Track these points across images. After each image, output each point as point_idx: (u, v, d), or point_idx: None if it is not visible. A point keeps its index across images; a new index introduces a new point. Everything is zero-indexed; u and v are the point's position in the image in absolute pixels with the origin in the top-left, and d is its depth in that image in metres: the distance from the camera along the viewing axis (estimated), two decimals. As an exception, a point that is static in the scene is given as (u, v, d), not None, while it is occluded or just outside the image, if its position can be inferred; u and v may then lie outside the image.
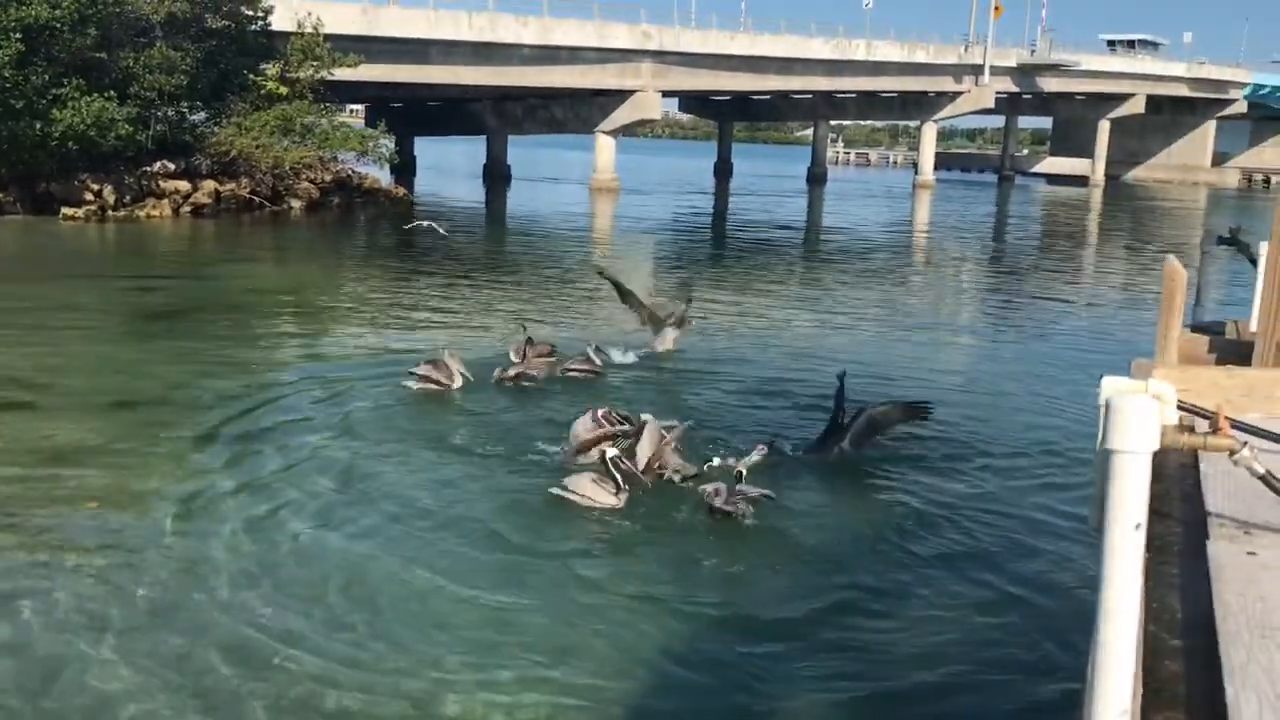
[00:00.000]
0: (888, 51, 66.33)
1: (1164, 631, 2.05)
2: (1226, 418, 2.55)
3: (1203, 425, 2.92)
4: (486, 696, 6.01)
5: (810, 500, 9.52)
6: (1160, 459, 3.28)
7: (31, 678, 6.10)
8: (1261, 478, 2.52)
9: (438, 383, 12.20)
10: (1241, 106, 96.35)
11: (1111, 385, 2.40)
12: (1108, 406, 1.46)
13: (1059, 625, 7.04)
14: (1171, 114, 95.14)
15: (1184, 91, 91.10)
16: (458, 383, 12.28)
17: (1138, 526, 1.34)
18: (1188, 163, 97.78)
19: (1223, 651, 1.89)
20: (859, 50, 64.66)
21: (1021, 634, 6.98)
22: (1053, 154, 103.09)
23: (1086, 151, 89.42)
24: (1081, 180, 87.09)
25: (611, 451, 8.74)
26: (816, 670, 6.46)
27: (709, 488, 8.61)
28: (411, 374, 12.41)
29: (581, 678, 6.24)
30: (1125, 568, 1.33)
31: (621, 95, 55.89)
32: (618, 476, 8.61)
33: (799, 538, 8.56)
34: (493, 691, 6.06)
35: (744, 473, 8.72)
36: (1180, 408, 2.68)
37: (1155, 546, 2.49)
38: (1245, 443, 2.50)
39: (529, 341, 13.56)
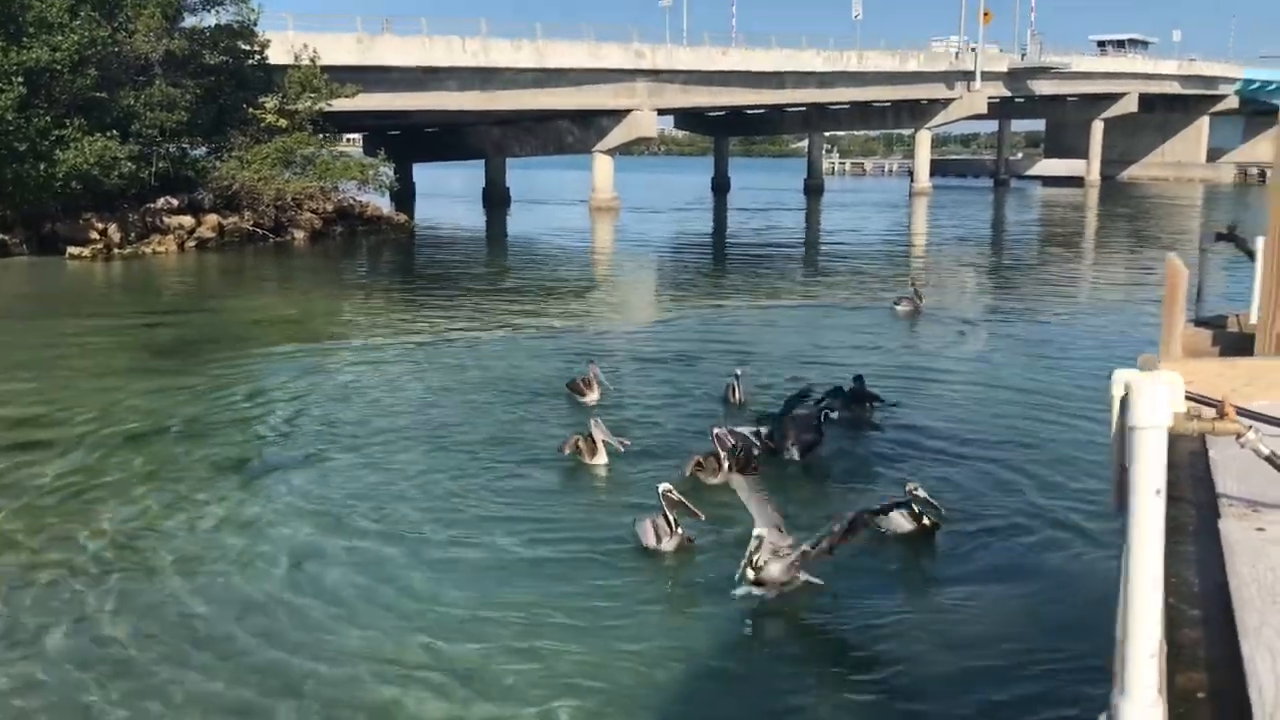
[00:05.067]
0: (879, 61, 66.78)
1: (1182, 603, 2.22)
2: (1232, 405, 2.71)
3: (1209, 413, 3.09)
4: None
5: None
6: (1170, 447, 3.44)
7: (61, 712, 6.21)
8: (1267, 458, 2.68)
9: (580, 454, 10.71)
10: (1234, 102, 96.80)
11: (1123, 377, 2.56)
12: (1128, 388, 1.63)
13: (1076, 600, 7.23)
14: (1164, 112, 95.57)
15: (1176, 89, 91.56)
16: (601, 459, 10.58)
17: (1158, 492, 1.51)
18: (1182, 160, 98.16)
19: (1238, 616, 2.06)
20: (851, 61, 65.12)
21: (1041, 612, 7.17)
22: (1047, 156, 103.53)
23: (1081, 152, 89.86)
24: (1077, 181, 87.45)
25: (919, 489, 8.65)
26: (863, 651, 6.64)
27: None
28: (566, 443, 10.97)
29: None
30: (1149, 528, 1.50)
31: (617, 115, 56.30)
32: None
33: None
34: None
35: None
36: (1188, 398, 2.84)
37: (1169, 528, 2.65)
38: (1251, 426, 2.67)
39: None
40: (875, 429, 12.19)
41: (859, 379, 12.77)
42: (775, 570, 6.97)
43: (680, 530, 8.18)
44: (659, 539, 8.15)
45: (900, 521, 8.53)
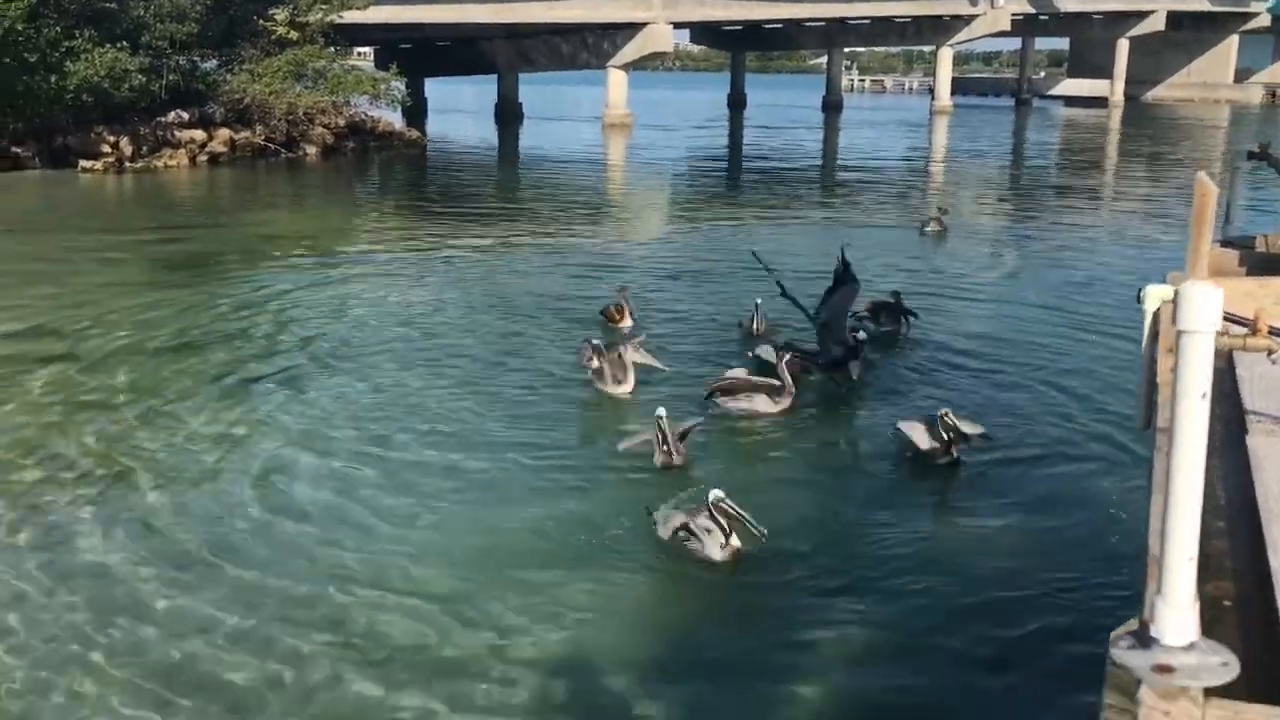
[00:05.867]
0: (901, -25, 65.20)
1: (1208, 514, 2.22)
2: (1266, 321, 2.69)
3: (1239, 331, 3.06)
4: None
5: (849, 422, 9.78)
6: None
7: (82, 624, 6.21)
8: (1298, 375, 2.67)
9: (600, 375, 10.23)
10: (1265, 20, 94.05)
11: (1157, 292, 2.54)
12: (1178, 295, 1.63)
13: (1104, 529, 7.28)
14: (1192, 30, 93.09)
15: (1205, 6, 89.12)
16: (628, 386, 10.12)
17: (1204, 396, 1.51)
18: (1209, 80, 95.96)
19: (1265, 527, 2.06)
20: (872, -25, 63.60)
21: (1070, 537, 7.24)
22: (1070, 76, 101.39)
23: (1105, 72, 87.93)
24: (1100, 101, 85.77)
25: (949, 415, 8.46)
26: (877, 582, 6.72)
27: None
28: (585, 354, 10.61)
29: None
30: (1193, 431, 1.50)
31: (632, 28, 55.26)
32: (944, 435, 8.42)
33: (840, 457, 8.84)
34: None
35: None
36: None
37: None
38: (1283, 342, 2.65)
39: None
40: (908, 345, 12.34)
41: (896, 294, 12.90)
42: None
43: (682, 451, 8.34)
44: (670, 457, 8.25)
45: (922, 437, 8.48)
